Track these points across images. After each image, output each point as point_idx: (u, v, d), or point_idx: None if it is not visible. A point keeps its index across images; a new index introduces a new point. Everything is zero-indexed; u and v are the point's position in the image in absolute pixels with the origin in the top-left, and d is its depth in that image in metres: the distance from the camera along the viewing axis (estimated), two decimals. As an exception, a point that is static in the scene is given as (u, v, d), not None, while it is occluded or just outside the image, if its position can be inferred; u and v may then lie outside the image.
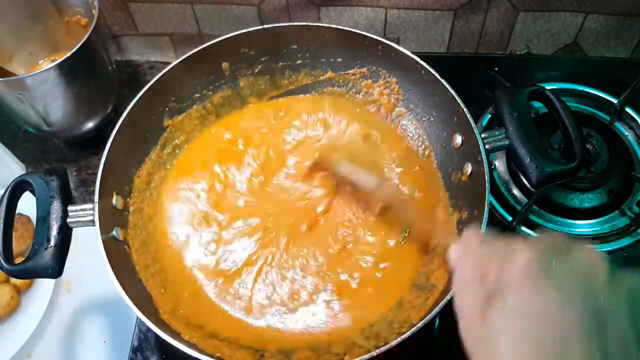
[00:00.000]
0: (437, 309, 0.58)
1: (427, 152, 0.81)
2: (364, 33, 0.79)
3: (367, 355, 0.57)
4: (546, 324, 0.34)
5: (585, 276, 0.36)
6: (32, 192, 0.66)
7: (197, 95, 0.84)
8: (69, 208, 0.65)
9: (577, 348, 0.33)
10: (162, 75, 0.77)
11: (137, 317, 0.59)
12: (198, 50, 0.79)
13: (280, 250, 0.74)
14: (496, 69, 0.99)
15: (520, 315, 0.36)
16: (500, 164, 0.89)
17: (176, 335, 0.61)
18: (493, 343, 0.36)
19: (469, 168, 0.71)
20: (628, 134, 0.89)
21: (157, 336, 0.66)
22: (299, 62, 0.86)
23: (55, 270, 0.62)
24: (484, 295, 0.38)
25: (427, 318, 0.58)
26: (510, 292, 0.37)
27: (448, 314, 0.60)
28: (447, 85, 0.73)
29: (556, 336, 0.34)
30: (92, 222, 0.64)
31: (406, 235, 0.73)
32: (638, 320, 0.34)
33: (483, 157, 0.67)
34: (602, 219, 0.82)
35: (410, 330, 0.57)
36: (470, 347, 0.38)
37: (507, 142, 0.68)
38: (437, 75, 0.74)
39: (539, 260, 0.37)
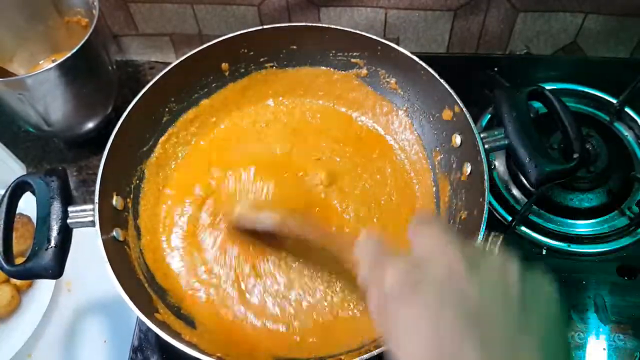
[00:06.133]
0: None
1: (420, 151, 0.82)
2: (364, 33, 0.79)
3: (367, 355, 0.57)
4: (420, 339, 0.36)
5: (446, 281, 0.38)
6: (33, 192, 0.66)
7: (197, 95, 0.84)
8: (69, 209, 0.65)
9: (453, 351, 0.35)
10: (162, 75, 0.77)
11: (137, 317, 0.59)
12: (198, 51, 0.79)
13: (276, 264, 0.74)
14: (496, 69, 0.99)
15: (403, 334, 0.38)
16: (499, 164, 0.89)
17: (176, 335, 0.61)
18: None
19: (468, 168, 0.71)
20: (628, 134, 0.89)
21: (157, 336, 0.66)
22: (298, 62, 0.86)
23: (56, 270, 0.62)
24: (382, 312, 0.41)
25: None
26: (389, 313, 0.39)
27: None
28: (446, 86, 0.73)
29: (433, 346, 0.36)
30: (93, 223, 0.64)
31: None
32: (507, 300, 0.37)
33: (482, 157, 0.67)
34: (601, 219, 0.82)
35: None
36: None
37: (506, 142, 0.68)
38: (436, 75, 0.74)
39: (400, 278, 0.40)
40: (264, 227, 0.68)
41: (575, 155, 0.66)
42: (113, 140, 0.70)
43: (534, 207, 0.83)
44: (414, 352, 0.36)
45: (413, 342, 0.37)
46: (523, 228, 0.82)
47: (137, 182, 0.77)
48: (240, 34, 0.80)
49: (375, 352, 0.57)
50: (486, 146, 0.68)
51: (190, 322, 0.69)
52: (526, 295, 0.37)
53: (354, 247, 0.49)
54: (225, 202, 0.76)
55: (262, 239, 0.73)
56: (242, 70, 0.85)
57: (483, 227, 0.63)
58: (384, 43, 0.78)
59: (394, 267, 0.41)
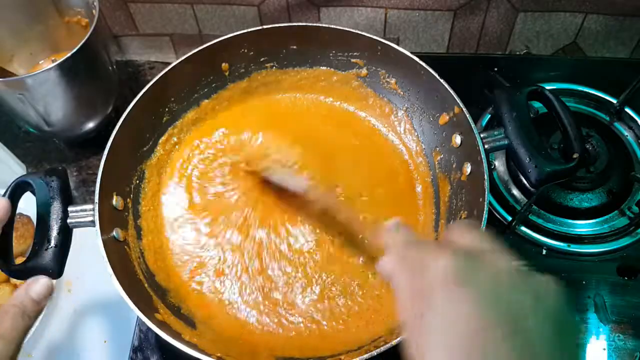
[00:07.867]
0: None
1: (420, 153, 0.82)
2: (364, 33, 0.79)
3: (367, 355, 0.57)
4: (463, 327, 0.36)
5: (494, 278, 0.38)
6: (33, 192, 0.66)
7: (197, 95, 0.84)
8: (69, 209, 0.65)
9: (493, 349, 0.35)
10: (162, 75, 0.77)
11: (137, 317, 0.59)
12: (198, 51, 0.79)
13: (277, 258, 0.74)
14: (496, 69, 0.99)
15: (443, 319, 0.37)
16: (499, 164, 0.89)
17: (176, 335, 0.61)
18: (427, 342, 0.38)
19: (468, 168, 0.71)
20: (627, 134, 0.89)
21: (157, 336, 0.66)
22: (298, 62, 0.86)
23: (56, 270, 0.62)
24: (417, 296, 0.40)
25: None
26: (433, 298, 0.38)
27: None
28: (446, 86, 0.73)
29: (474, 338, 0.35)
30: (93, 223, 0.64)
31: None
32: (541, 312, 0.37)
33: (482, 157, 0.67)
34: (601, 219, 0.82)
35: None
36: (410, 346, 0.39)
37: (506, 142, 0.68)
38: (436, 75, 0.75)
39: (453, 267, 0.39)
40: (298, 187, 0.71)
41: (575, 155, 0.66)
42: (113, 140, 0.70)
43: (534, 207, 0.83)
44: (447, 343, 0.36)
45: (449, 334, 0.36)
46: (523, 228, 0.82)
47: (137, 182, 0.77)
48: (240, 34, 0.80)
49: (374, 352, 0.57)
50: (486, 146, 0.68)
51: (190, 322, 0.69)
52: (564, 321, 0.37)
53: (381, 233, 0.49)
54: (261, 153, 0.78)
55: (285, 197, 0.75)
56: (242, 70, 0.86)
57: (483, 227, 0.63)
58: (384, 43, 0.78)
59: (446, 252, 0.40)
